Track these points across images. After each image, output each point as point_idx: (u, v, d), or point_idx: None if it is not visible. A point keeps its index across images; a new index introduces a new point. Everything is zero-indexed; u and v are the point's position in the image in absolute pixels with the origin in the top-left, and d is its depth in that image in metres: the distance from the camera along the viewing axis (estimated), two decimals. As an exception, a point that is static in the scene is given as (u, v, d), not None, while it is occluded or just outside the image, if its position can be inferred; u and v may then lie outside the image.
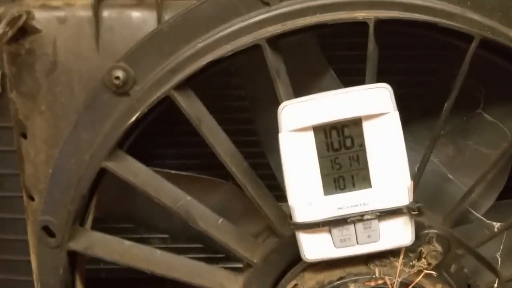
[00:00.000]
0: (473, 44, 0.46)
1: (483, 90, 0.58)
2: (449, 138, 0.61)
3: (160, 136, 0.73)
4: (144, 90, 0.51)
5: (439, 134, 0.52)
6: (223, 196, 0.59)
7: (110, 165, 0.52)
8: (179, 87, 0.50)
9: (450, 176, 0.61)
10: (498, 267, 0.57)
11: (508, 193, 0.61)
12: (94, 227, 0.58)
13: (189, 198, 0.54)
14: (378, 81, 0.47)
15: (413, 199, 0.47)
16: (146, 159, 0.70)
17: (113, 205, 0.62)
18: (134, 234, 0.79)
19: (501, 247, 0.58)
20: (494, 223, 0.56)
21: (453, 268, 0.55)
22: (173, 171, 0.56)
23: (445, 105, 0.50)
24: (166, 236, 0.79)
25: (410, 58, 0.70)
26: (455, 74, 0.51)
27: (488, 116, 0.58)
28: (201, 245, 0.70)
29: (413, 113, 0.63)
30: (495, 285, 0.56)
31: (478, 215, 0.59)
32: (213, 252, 0.74)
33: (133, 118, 0.50)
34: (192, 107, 0.50)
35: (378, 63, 0.49)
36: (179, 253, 0.77)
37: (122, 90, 0.50)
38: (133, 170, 0.53)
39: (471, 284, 0.56)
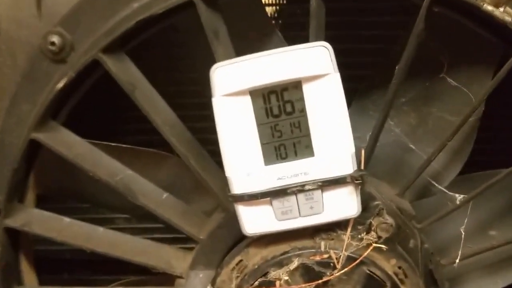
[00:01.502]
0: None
1: (447, 53, 0.56)
2: (411, 106, 0.59)
3: (121, 110, 0.71)
4: (79, 56, 0.50)
5: (392, 100, 0.51)
6: (170, 171, 0.58)
7: (40, 136, 0.50)
8: (110, 50, 0.48)
9: (412, 146, 0.59)
10: (461, 242, 0.56)
11: (473, 168, 0.60)
12: (52, 208, 0.57)
13: (129, 172, 0.53)
14: (335, 47, 0.44)
15: (360, 167, 0.46)
16: (107, 135, 0.69)
17: (57, 182, 0.61)
18: (97, 214, 0.79)
19: (465, 221, 0.57)
20: (457, 195, 0.55)
21: (411, 243, 0.54)
22: (112, 144, 0.54)
23: (397, 67, 0.48)
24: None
25: (370, 24, 0.68)
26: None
27: (452, 81, 0.56)
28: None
29: (374, 82, 0.61)
30: (457, 261, 0.55)
31: (440, 187, 0.57)
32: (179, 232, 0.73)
33: (60, 85, 0.48)
34: (125, 72, 0.49)
35: (338, 28, 0.47)
36: (145, 233, 0.79)
37: (59, 57, 0.49)
38: (67, 142, 0.52)
39: (431, 260, 0.55)
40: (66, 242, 0.54)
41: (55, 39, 0.48)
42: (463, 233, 0.57)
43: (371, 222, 0.49)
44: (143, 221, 0.78)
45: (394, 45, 0.61)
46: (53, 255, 0.78)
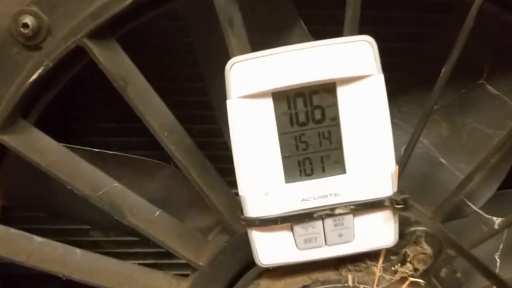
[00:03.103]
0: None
1: (488, 57, 0.50)
2: (443, 114, 0.53)
3: (99, 106, 0.63)
4: (57, 41, 0.41)
5: (432, 108, 0.44)
6: (164, 182, 0.51)
7: (6, 138, 0.42)
8: (97, 35, 0.40)
9: (443, 161, 0.53)
10: (497, 270, 0.50)
11: (508, 183, 0.55)
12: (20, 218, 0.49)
13: (115, 184, 0.45)
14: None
15: (398, 189, 0.39)
16: (82, 135, 0.61)
17: (25, 191, 0.52)
18: (70, 224, 0.70)
19: (501, 247, 0.52)
20: (495, 219, 0.49)
21: (443, 272, 0.48)
22: (95, 150, 0.46)
23: (443, 69, 0.42)
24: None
25: (399, 20, 0.62)
26: (454, 37, 0.42)
27: (492, 89, 0.51)
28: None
29: (401, 85, 0.55)
30: (491, 291, 0.49)
31: (475, 208, 0.52)
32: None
33: (34, 76, 0.40)
34: (115, 63, 0.41)
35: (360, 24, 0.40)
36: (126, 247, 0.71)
37: (32, 42, 0.42)
38: (39, 147, 0.43)
39: (463, 290, 0.50)
40: (37, 267, 0.46)
41: (28, 20, 0.41)
42: (498, 260, 0.52)
43: (406, 252, 0.42)
44: (132, 244, 0.70)
45: (427, 44, 0.55)
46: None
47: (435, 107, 0.53)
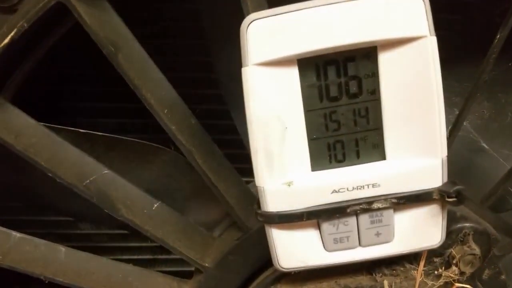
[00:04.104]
0: None
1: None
2: (485, 92, 0.47)
3: (88, 84, 0.55)
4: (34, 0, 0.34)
5: (482, 84, 0.38)
6: (163, 170, 0.44)
7: (-26, 117, 0.35)
8: (82, -10, 0.33)
9: (484, 145, 0.47)
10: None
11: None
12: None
13: (105, 171, 0.38)
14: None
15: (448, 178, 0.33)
16: (68, 115, 0.55)
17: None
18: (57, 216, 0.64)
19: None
20: (544, 213, 0.43)
21: (486, 273, 0.42)
22: (82, 130, 0.39)
23: (498, 35, 0.35)
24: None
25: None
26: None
27: (546, 62, 0.44)
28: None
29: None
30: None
31: (523, 201, 0.45)
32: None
33: (6, 40, 0.33)
34: (104, 25, 0.33)
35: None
36: (120, 240, 0.64)
37: (8, 3, 0.36)
38: (15, 126, 0.37)
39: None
40: (15, 268, 0.39)
41: (0, -24, 0.35)
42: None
43: (451, 253, 0.36)
44: (127, 238, 0.63)
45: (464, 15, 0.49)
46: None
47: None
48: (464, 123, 0.48)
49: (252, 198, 0.39)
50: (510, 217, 0.48)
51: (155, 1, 0.53)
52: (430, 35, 0.30)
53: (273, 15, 0.30)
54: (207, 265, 0.41)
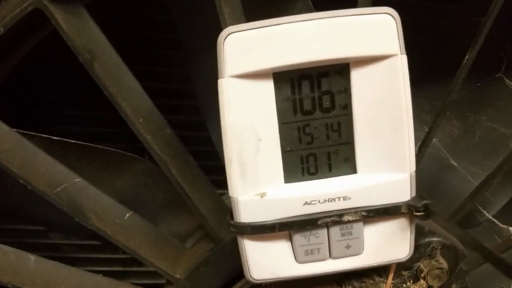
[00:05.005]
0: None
1: (508, 47, 0.45)
2: (454, 111, 0.49)
3: (64, 92, 0.55)
4: (13, 5, 0.34)
5: (450, 102, 0.39)
6: (136, 179, 0.44)
7: None
8: (60, -3, 0.33)
9: (453, 163, 0.49)
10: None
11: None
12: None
13: (77, 179, 0.38)
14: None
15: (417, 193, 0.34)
16: (42, 123, 0.54)
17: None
18: (27, 225, 0.63)
19: (514, 261, 0.47)
20: (511, 229, 0.44)
21: (453, 288, 0.43)
22: (56, 138, 0.39)
23: (466, 56, 0.37)
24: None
25: (407, 10, 0.56)
26: (468, 24, 0.38)
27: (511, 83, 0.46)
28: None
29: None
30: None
31: (489, 216, 0.47)
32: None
33: (-20, 45, 0.33)
34: (81, 32, 0.34)
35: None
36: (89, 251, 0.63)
37: None
38: (-15, 132, 0.36)
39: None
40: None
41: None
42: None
43: (419, 266, 0.37)
44: (97, 249, 0.63)
45: (436, 35, 0.51)
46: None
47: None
48: (434, 141, 0.49)
49: (226, 209, 0.39)
50: (477, 233, 0.49)
51: (133, 11, 0.53)
52: (401, 53, 0.31)
53: (250, 29, 0.31)
54: (178, 276, 0.41)
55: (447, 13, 0.57)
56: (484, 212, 0.47)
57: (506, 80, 0.46)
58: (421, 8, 0.57)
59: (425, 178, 0.49)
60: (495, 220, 0.47)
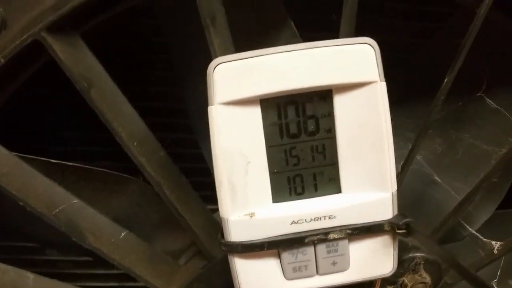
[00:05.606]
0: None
1: (488, 68, 0.47)
2: (437, 129, 0.50)
3: (62, 113, 0.57)
4: (13, 35, 0.36)
5: (433, 120, 0.41)
6: (131, 199, 0.46)
7: None
8: (58, 29, 0.35)
9: (437, 179, 0.51)
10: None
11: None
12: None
13: (74, 201, 0.40)
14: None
15: (399, 211, 0.35)
16: (40, 144, 0.55)
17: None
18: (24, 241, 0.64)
19: (498, 273, 0.49)
20: (493, 243, 0.46)
21: (438, 302, 0.44)
22: (54, 161, 0.41)
23: (446, 78, 0.39)
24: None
25: (390, 29, 0.59)
26: (451, 45, 0.40)
27: (492, 102, 0.48)
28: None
29: (391, 97, 0.52)
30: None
31: (473, 231, 0.49)
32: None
33: (-18, 75, 0.34)
34: (78, 61, 0.35)
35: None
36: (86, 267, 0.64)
37: None
38: (-14, 156, 0.37)
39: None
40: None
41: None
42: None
43: (404, 281, 0.39)
44: (93, 265, 0.64)
45: (420, 54, 0.53)
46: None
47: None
48: (418, 158, 0.51)
49: (217, 227, 0.40)
50: (461, 247, 0.51)
51: (126, 34, 0.55)
52: (380, 80, 0.33)
53: (237, 59, 0.32)
54: (172, 293, 0.42)
55: (431, 33, 0.59)
56: (467, 226, 0.49)
57: (487, 99, 0.48)
58: (405, 28, 0.60)
59: (409, 194, 0.51)
60: (478, 235, 0.48)
